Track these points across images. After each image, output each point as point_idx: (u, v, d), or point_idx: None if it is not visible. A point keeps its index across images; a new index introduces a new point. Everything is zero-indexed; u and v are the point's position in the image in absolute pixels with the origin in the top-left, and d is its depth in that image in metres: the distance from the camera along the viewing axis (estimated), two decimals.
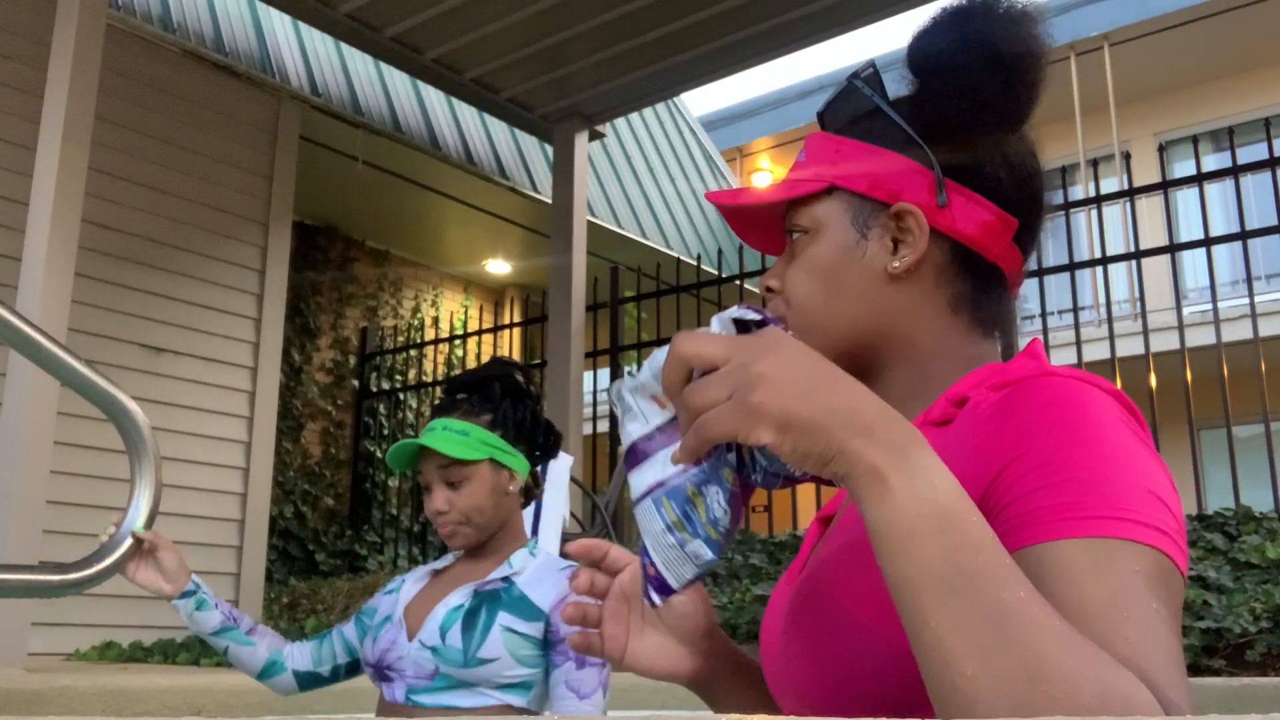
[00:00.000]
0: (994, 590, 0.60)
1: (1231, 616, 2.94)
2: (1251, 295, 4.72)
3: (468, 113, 7.28)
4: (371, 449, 7.81)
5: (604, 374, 6.78)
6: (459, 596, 1.81)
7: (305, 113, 6.30)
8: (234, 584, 5.66)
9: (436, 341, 7.65)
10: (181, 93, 5.76)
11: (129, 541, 1.75)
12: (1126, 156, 5.98)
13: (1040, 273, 5.18)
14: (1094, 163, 5.42)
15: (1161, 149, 5.51)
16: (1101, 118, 10.40)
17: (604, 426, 7.08)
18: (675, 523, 0.71)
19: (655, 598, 0.72)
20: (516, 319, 8.36)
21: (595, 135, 6.74)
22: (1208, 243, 4.83)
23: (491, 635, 1.75)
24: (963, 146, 0.88)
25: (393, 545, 7.57)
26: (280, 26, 6.36)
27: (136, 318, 5.47)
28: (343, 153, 6.72)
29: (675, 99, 9.64)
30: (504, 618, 1.76)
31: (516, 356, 8.97)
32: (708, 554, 0.71)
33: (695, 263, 6.63)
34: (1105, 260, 5.12)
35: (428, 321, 8.50)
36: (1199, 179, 4.89)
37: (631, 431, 0.75)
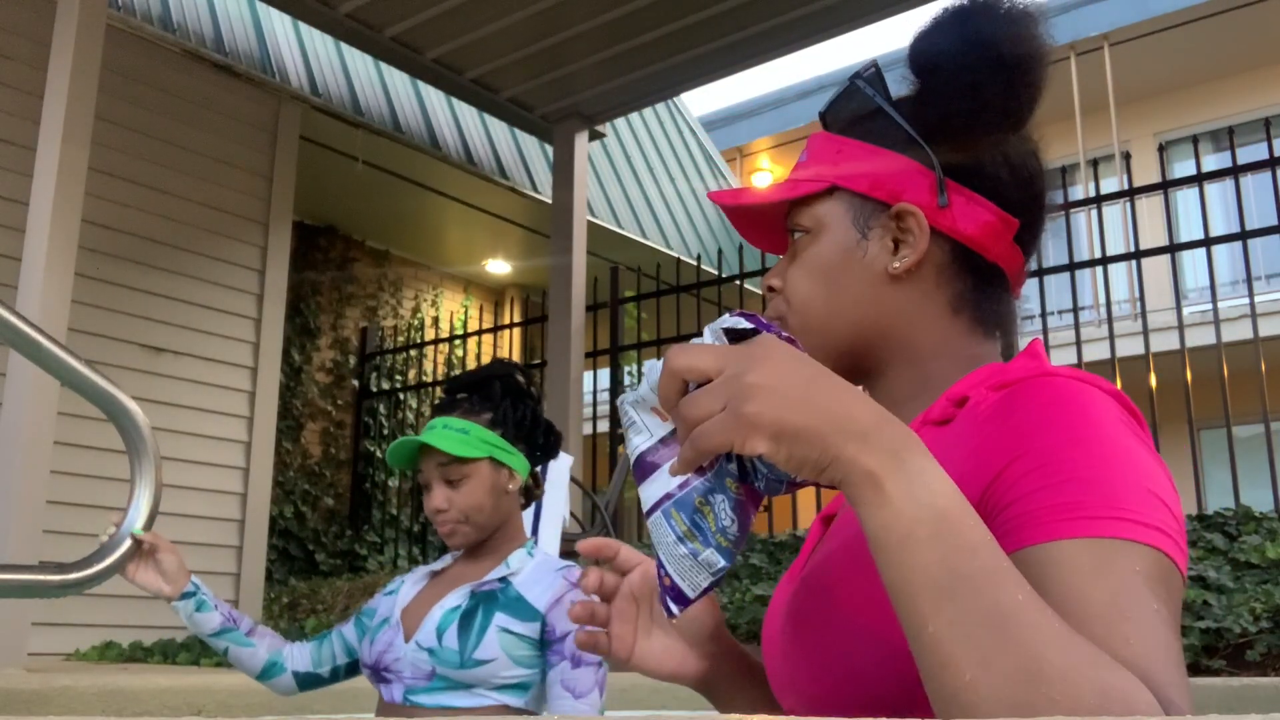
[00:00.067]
0: (992, 592, 0.60)
1: (1231, 616, 2.95)
2: (1251, 295, 4.72)
3: (468, 113, 7.28)
4: (371, 449, 7.81)
5: (604, 374, 6.78)
6: (456, 597, 1.81)
7: (305, 113, 6.30)
8: (234, 584, 5.66)
9: (436, 341, 7.65)
10: (181, 93, 5.76)
11: (129, 542, 1.75)
12: (1126, 156, 5.98)
13: (1040, 273, 5.18)
14: (1094, 163, 5.42)
15: (1161, 149, 5.51)
16: (1101, 118, 10.41)
17: (604, 426, 7.08)
18: (686, 533, 0.71)
19: (673, 608, 0.73)
20: (516, 319, 8.36)
21: (595, 135, 6.74)
22: (1208, 243, 4.83)
23: (488, 636, 1.74)
24: (964, 147, 0.89)
25: (393, 545, 7.57)
26: (280, 26, 6.36)
27: (136, 318, 5.47)
28: (343, 153, 6.72)
29: (675, 99, 9.64)
30: (500, 618, 1.76)
31: (516, 356, 8.97)
32: (720, 562, 0.72)
33: (695, 263, 6.63)
34: (1105, 260, 5.12)
35: (428, 321, 8.50)
36: (1199, 179, 4.89)
37: (636, 444, 0.75)
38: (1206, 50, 10.32)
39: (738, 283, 6.13)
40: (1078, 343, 5.01)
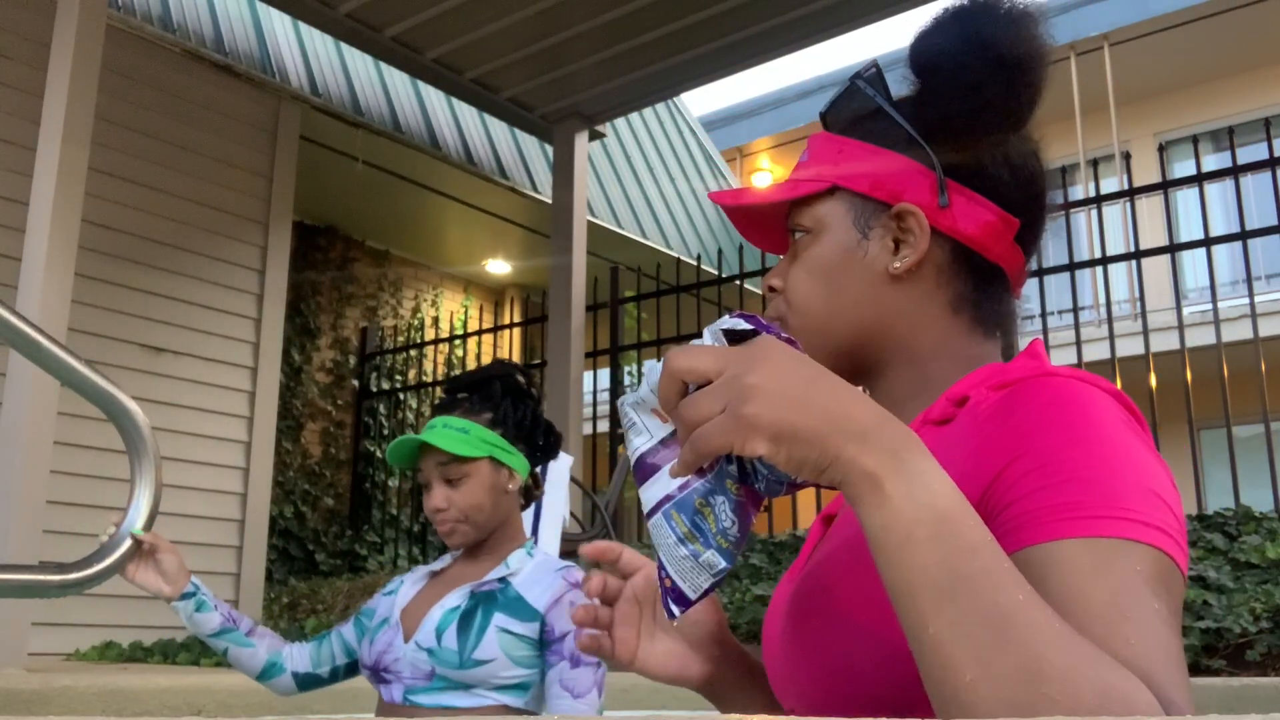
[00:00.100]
0: (991, 593, 0.60)
1: (1231, 616, 2.95)
2: (1251, 295, 4.72)
3: (468, 113, 7.28)
4: (371, 449, 7.81)
5: (604, 374, 6.78)
6: (455, 598, 1.81)
7: (305, 113, 6.30)
8: (234, 584, 5.66)
9: (436, 341, 7.65)
10: (181, 93, 5.76)
11: (129, 542, 1.75)
12: (1126, 156, 5.98)
13: (1040, 273, 5.18)
14: (1094, 163, 5.42)
15: (1161, 149, 5.51)
16: (1101, 118, 10.41)
17: (604, 426, 7.08)
18: (687, 534, 0.71)
19: (674, 609, 0.73)
20: (516, 319, 8.36)
21: (595, 135, 6.74)
22: (1208, 243, 4.83)
23: (487, 636, 1.74)
24: (964, 147, 0.89)
25: (393, 545, 7.57)
26: (280, 26, 6.36)
27: (136, 318, 5.47)
28: (343, 153, 6.72)
29: (675, 99, 9.64)
30: (499, 619, 1.76)
31: (516, 356, 8.97)
32: (721, 563, 0.72)
33: (695, 263, 6.63)
34: (1105, 260, 5.12)
35: (428, 321, 8.50)
36: (1199, 179, 4.89)
37: (637, 446, 0.75)
38: (1206, 50, 10.32)
39: (738, 283, 6.13)
40: (1078, 343, 5.01)
